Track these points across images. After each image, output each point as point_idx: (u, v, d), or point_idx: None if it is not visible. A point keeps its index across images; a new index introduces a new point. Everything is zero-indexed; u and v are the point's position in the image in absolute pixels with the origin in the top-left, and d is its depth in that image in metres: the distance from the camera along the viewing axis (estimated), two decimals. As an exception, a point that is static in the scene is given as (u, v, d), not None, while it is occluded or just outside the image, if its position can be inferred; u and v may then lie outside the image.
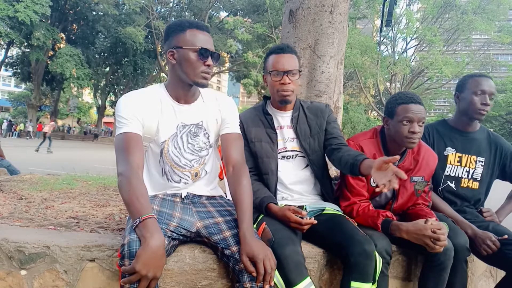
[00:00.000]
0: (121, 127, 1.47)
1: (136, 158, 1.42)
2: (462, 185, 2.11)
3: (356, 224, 1.73)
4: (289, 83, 1.81)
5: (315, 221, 1.59)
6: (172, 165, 1.58)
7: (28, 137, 26.94)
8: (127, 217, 1.49)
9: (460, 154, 2.10)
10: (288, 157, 1.89)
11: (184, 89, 1.57)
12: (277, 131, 1.90)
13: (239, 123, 1.74)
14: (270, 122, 1.90)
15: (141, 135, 1.50)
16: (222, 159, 1.82)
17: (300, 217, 1.60)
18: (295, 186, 1.89)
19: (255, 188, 1.78)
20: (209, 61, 1.52)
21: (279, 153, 1.89)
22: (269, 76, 1.85)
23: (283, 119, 1.92)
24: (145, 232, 1.23)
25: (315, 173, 1.89)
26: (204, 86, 1.56)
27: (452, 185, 2.11)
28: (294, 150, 1.90)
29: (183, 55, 1.51)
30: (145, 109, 1.51)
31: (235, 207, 1.52)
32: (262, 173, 1.87)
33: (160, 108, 1.55)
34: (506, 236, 1.88)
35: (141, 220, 1.26)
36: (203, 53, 1.50)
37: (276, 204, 1.74)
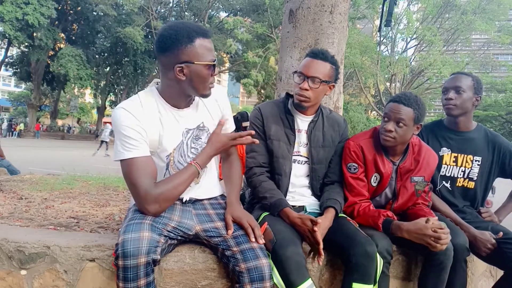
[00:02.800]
0: (132, 150, 1.38)
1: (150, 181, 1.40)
2: (457, 184, 2.11)
3: (358, 225, 1.73)
4: (307, 90, 1.74)
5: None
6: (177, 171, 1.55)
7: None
8: (125, 216, 1.49)
9: (455, 154, 2.10)
10: (300, 162, 1.87)
11: (186, 98, 1.52)
12: (296, 133, 1.86)
13: (258, 116, 1.85)
14: (290, 123, 1.85)
15: (150, 155, 1.44)
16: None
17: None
18: (300, 189, 1.88)
19: (271, 187, 1.78)
20: (216, 71, 1.47)
21: (293, 155, 1.86)
22: (294, 76, 1.81)
23: (302, 123, 1.87)
24: (205, 158, 1.52)
25: (315, 183, 1.87)
26: (208, 96, 1.51)
27: (447, 184, 2.11)
28: (304, 156, 1.87)
29: (196, 71, 1.41)
30: (145, 121, 1.42)
31: (226, 184, 1.67)
32: (275, 173, 1.84)
33: (160, 119, 1.46)
34: (501, 234, 1.88)
35: (195, 164, 1.47)
36: (213, 67, 1.45)
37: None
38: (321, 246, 1.56)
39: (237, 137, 1.55)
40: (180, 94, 1.48)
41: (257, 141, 1.56)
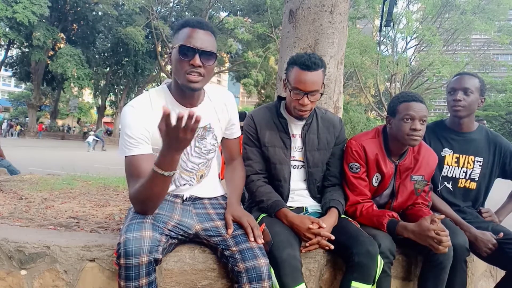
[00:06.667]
0: (131, 148, 1.39)
1: None
2: (459, 185, 2.11)
3: (359, 225, 1.74)
4: (308, 104, 1.69)
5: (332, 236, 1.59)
6: (181, 171, 1.56)
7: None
8: (125, 216, 1.49)
9: (457, 155, 2.10)
10: (295, 166, 1.86)
11: (186, 92, 1.47)
12: (290, 137, 1.84)
13: (251, 124, 1.81)
14: (284, 126, 1.82)
15: (152, 153, 1.42)
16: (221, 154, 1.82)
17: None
18: (298, 192, 1.88)
19: (268, 190, 1.78)
20: (195, 60, 1.35)
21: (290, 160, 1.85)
22: (289, 92, 1.72)
23: (296, 127, 1.85)
24: (169, 161, 1.24)
25: (312, 186, 1.87)
26: (192, 89, 1.41)
27: (449, 185, 2.11)
28: (299, 160, 1.86)
29: (173, 55, 1.40)
30: (153, 120, 1.39)
31: (227, 185, 1.64)
32: (274, 179, 1.83)
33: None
34: (501, 234, 1.88)
35: (164, 172, 1.24)
36: (184, 51, 1.35)
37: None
38: (318, 240, 1.59)
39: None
40: (178, 88, 1.47)
41: None
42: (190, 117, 1.11)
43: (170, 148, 1.20)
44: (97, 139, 20.79)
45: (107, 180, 3.92)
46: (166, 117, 1.12)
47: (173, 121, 1.15)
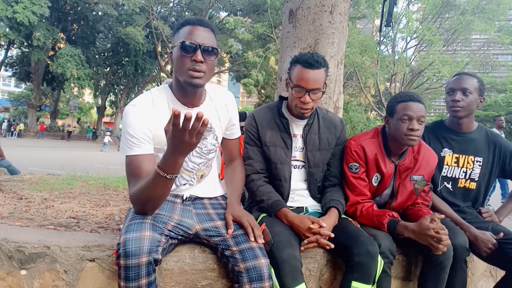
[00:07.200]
0: (132, 148, 1.39)
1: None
2: (459, 185, 2.11)
3: (359, 225, 1.74)
4: (309, 102, 1.71)
5: (332, 234, 1.59)
6: (181, 171, 1.55)
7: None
8: (125, 216, 1.49)
9: (457, 155, 2.10)
10: (296, 166, 1.87)
11: (187, 91, 1.47)
12: (292, 137, 1.84)
13: (253, 123, 1.81)
14: (285, 126, 1.83)
15: (153, 153, 1.43)
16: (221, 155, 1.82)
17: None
18: (298, 192, 1.88)
19: (268, 190, 1.78)
20: (197, 56, 1.36)
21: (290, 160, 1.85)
22: (291, 89, 1.74)
23: (297, 127, 1.85)
24: (173, 165, 1.22)
25: (313, 186, 1.88)
26: (195, 86, 1.40)
27: (449, 185, 2.11)
28: (300, 160, 1.86)
29: (174, 54, 1.42)
30: (155, 119, 1.41)
31: (227, 186, 1.64)
32: (275, 179, 1.83)
33: (169, 116, 1.46)
34: (501, 234, 1.88)
35: (167, 174, 1.23)
36: (186, 47, 1.36)
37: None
38: (317, 239, 1.59)
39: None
40: (180, 87, 1.47)
41: None
42: (198, 118, 1.10)
43: (175, 151, 1.19)
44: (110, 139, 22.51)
45: (107, 180, 3.92)
46: (175, 117, 1.09)
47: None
